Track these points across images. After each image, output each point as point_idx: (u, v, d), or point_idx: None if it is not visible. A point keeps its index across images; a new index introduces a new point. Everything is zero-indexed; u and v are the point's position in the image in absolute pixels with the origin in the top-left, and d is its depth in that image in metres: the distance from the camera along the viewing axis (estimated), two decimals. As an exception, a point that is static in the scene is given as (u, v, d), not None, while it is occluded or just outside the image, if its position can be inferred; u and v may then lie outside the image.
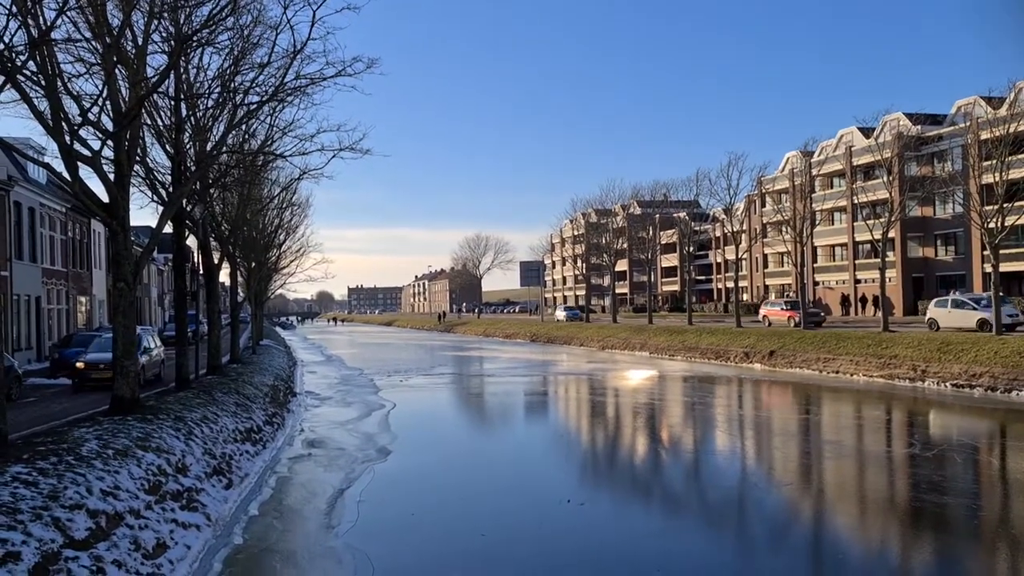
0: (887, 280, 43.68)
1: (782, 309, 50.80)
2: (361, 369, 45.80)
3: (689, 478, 17.65)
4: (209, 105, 23.17)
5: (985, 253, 49.63)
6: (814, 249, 67.71)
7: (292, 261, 61.96)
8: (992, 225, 33.87)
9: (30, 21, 13.44)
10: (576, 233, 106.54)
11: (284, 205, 44.60)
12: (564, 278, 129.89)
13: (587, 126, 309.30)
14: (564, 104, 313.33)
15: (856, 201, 58.91)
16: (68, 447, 12.49)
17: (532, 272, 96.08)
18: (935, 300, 41.47)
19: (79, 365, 24.15)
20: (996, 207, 33.75)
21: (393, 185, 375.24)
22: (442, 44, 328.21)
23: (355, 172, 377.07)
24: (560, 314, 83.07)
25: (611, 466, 19.76)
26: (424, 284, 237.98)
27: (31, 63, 13.84)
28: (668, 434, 22.96)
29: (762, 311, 53.85)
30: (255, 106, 22.40)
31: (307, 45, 19.64)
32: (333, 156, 23.39)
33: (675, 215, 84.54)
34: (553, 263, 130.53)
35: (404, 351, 66.55)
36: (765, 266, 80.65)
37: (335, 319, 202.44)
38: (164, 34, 20.02)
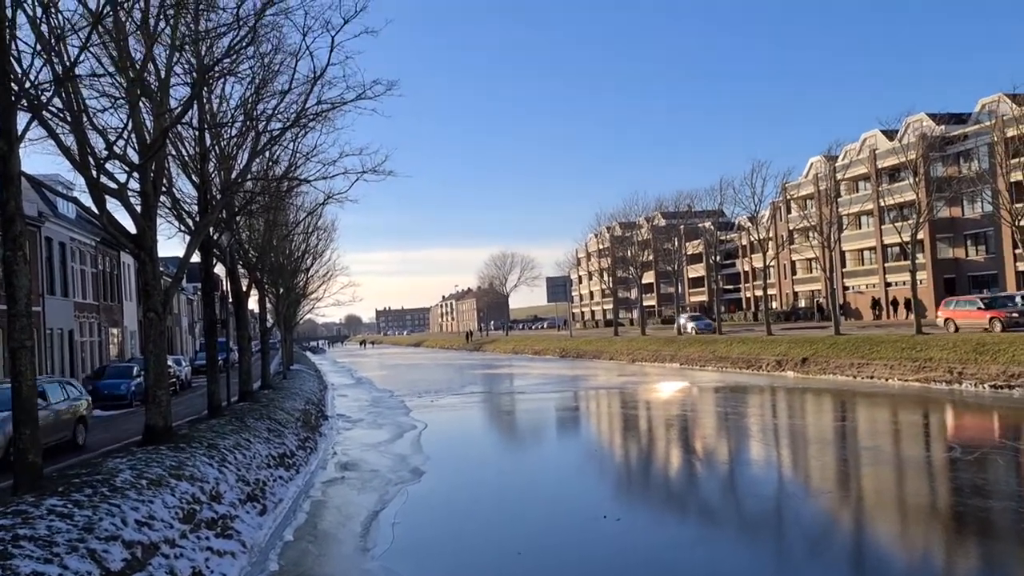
0: (918, 282, 42.97)
1: (978, 309, 36.73)
2: (391, 390, 45.82)
3: (725, 490, 17.38)
4: (233, 134, 23.50)
5: (1017, 251, 48.96)
6: (842, 254, 67.03)
7: (320, 285, 62.48)
8: (1024, 223, 33.35)
9: (54, 58, 13.62)
10: (601, 247, 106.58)
11: (310, 230, 44.99)
12: (591, 292, 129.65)
13: (610, 138, 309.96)
14: (586, 115, 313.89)
15: (883, 204, 58.27)
16: (102, 478, 12.56)
17: (559, 287, 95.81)
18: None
19: None
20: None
21: (417, 206, 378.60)
22: (460, 58, 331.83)
23: (379, 194, 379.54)
24: (688, 325, 65.31)
25: (646, 480, 19.54)
26: (451, 304, 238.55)
27: (56, 100, 14.07)
28: (702, 446, 22.68)
29: (941, 313, 39.28)
30: (278, 132, 22.64)
31: (327, 70, 20.05)
32: (356, 179, 23.59)
33: (700, 225, 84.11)
34: (579, 277, 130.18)
35: (433, 371, 66.58)
36: (794, 273, 79.98)
37: (364, 342, 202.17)
38: (186, 66, 20.36)
